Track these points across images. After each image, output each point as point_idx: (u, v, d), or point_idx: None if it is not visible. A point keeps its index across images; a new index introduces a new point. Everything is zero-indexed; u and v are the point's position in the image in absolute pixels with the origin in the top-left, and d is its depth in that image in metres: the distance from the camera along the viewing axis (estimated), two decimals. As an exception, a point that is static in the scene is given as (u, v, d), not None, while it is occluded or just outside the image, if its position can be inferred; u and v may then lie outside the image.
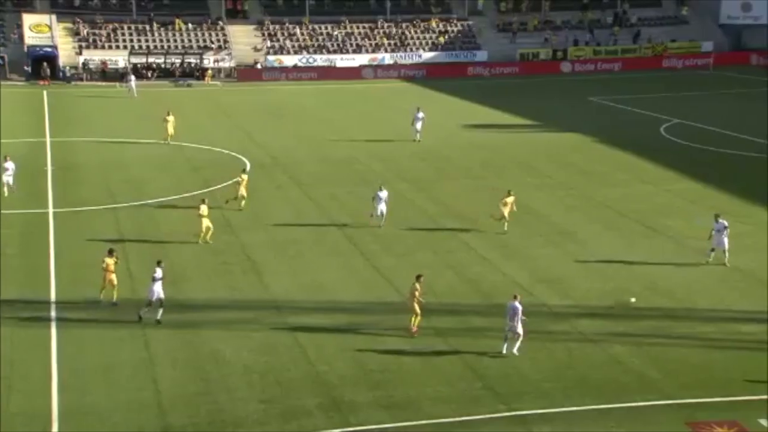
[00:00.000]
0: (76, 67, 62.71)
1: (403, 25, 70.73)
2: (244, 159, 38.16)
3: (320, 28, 69.78)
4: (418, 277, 20.34)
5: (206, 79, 62.11)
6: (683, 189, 32.47)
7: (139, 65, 62.95)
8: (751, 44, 71.61)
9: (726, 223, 24.34)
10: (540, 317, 21.11)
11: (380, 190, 28.24)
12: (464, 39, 70.48)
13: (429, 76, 65.79)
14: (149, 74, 62.64)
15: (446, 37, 70.17)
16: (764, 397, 17.06)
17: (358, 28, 70.25)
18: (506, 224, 27.34)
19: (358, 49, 68.44)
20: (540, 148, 40.38)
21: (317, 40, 68.83)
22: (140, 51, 64.44)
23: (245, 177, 30.41)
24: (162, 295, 20.87)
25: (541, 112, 49.65)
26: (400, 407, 17.06)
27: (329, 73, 65.69)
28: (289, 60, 66.83)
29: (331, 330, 20.52)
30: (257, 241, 26.95)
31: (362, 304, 22.03)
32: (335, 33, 69.43)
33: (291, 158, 38.58)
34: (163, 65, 63.92)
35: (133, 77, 57.29)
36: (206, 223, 26.37)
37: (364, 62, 67.39)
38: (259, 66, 65.97)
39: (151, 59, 63.86)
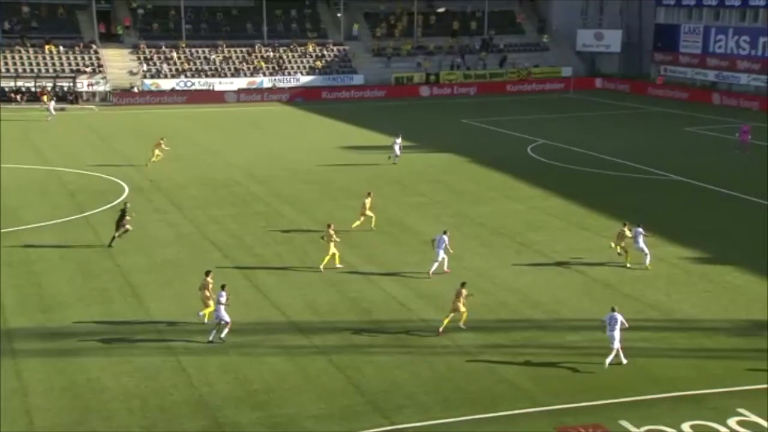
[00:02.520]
0: (-65, 91, 59.28)
1: (281, 49, 70.68)
2: (122, 183, 37.01)
3: (197, 52, 68.76)
4: (462, 284, 21.67)
5: (43, 102, 58.68)
6: (550, 206, 33.76)
7: (7, 89, 60.04)
8: (605, 70, 75.85)
9: (642, 231, 26.27)
10: (419, 332, 21.42)
11: (443, 233, 25.52)
12: (341, 63, 71.10)
13: (305, 98, 66.08)
14: (18, 98, 59.86)
15: (323, 61, 70.59)
16: (625, 399, 17.89)
17: (235, 52, 69.66)
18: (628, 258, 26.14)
19: (236, 73, 67.85)
20: (416, 168, 41.11)
21: (195, 64, 67.77)
22: (8, 74, 61.51)
23: (369, 200, 29.98)
24: (227, 318, 20.57)
25: (416, 134, 50.56)
26: (283, 426, 16.90)
27: (203, 96, 64.74)
28: (166, 84, 65.45)
29: (213, 351, 20.12)
30: (136, 265, 26.16)
31: (244, 325, 21.71)
32: (212, 57, 68.57)
33: (170, 181, 37.71)
34: (33, 89, 61.20)
35: (52, 102, 55.52)
36: (333, 249, 25.66)
37: (243, 85, 66.91)
38: (135, 90, 64.29)
39: (20, 83, 61.03)
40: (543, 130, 51.77)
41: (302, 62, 70.26)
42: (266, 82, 67.66)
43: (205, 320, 21.40)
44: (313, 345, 20.55)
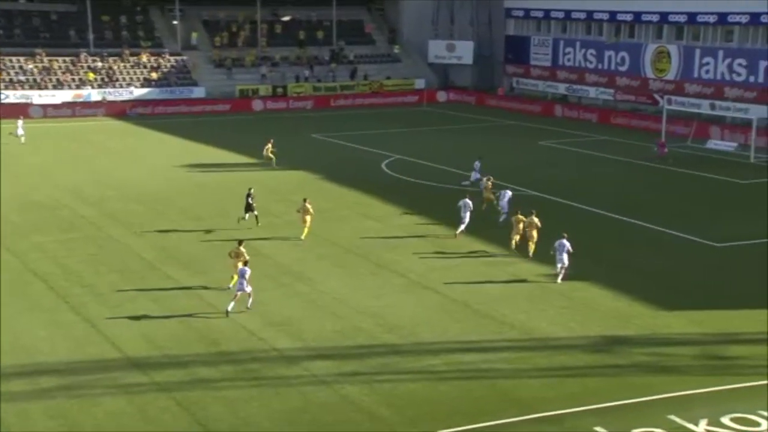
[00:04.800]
0: None
1: (110, 59, 68.57)
2: (-75, 208, 34.63)
3: (11, 61, 65.48)
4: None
5: None
6: (406, 224, 34.44)
7: None
8: (458, 82, 78.45)
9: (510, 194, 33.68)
10: (271, 363, 21.26)
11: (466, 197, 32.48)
12: (179, 75, 69.78)
13: (140, 113, 64.49)
14: None
15: (159, 72, 69.04)
16: (485, 424, 18.44)
17: (57, 61, 66.86)
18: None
19: (59, 85, 65.12)
20: (264, 186, 40.88)
21: (8, 74, 64.47)
22: None
23: (490, 184, 35.59)
24: (249, 289, 24.39)
25: (263, 150, 50.43)
26: (122, 474, 16.28)
27: (5, 111, 60.87)
28: (-26, 95, 61.89)
29: (36, 396, 19.11)
30: (-56, 302, 24.50)
31: (74, 364, 20.80)
32: (30, 67, 65.51)
33: (-17, 206, 35.65)
34: None
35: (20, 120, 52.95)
36: (308, 222, 31.49)
37: (68, 99, 64.34)
38: (-66, 103, 60.37)
39: None
40: (397, 144, 52.85)
41: (136, 73, 68.44)
42: (95, 94, 65.38)
43: (231, 285, 25.49)
44: (153, 382, 19.95)
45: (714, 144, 53.39)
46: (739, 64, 57.59)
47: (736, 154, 50.58)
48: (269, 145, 45.90)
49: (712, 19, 59.39)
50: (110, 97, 65.47)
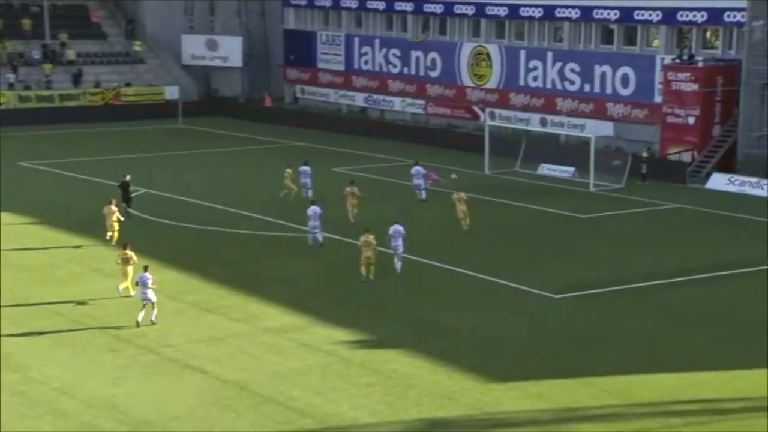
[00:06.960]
0: None
1: None
2: None
3: None
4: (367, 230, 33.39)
5: None
6: (162, 281, 33.76)
7: None
8: (225, 91, 78.37)
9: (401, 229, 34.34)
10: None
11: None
12: None
13: None
14: None
15: None
16: None
17: None
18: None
19: None
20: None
21: None
22: None
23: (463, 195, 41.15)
24: (155, 298, 28.77)
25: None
26: None
27: None
28: None
29: None
30: None
31: None
32: None
33: None
34: None
35: None
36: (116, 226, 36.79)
37: None
38: None
39: None
40: (143, 174, 51.85)
41: None
42: None
43: (120, 287, 30.87)
44: None
45: (547, 169, 56.10)
46: (572, 70, 61.39)
47: (574, 181, 53.66)
48: (289, 171, 47.79)
49: (537, 13, 63.08)
50: None
